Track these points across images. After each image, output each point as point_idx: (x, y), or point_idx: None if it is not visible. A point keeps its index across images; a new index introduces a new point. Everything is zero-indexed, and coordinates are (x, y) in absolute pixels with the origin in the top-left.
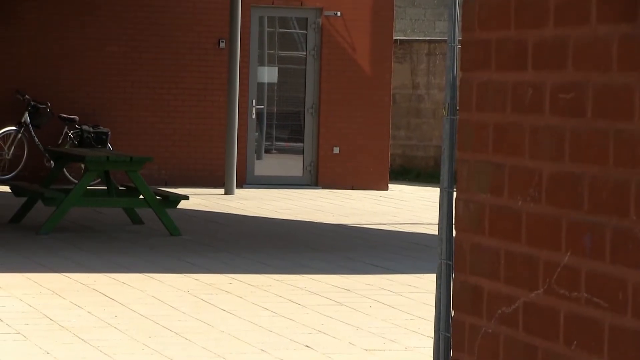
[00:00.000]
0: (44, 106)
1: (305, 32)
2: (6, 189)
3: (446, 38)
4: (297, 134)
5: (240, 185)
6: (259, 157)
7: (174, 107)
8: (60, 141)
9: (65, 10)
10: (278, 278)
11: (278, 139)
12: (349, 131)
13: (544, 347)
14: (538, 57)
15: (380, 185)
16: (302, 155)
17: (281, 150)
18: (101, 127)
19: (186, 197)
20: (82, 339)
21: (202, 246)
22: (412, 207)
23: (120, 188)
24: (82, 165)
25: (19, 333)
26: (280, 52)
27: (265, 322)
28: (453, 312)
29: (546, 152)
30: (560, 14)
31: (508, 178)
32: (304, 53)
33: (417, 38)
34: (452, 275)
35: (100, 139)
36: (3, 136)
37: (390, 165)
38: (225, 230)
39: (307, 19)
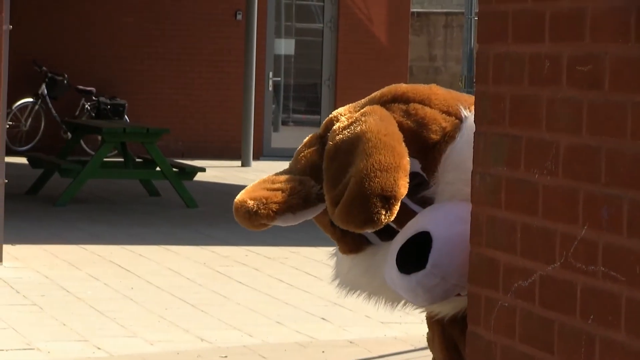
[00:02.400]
0: (61, 78)
1: (322, 3)
2: (23, 160)
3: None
4: (313, 106)
5: (256, 157)
6: (275, 129)
7: (191, 79)
8: (77, 113)
9: None
10: (294, 250)
11: (295, 111)
12: None
13: (560, 320)
14: (555, 29)
15: None
16: (318, 128)
17: (298, 123)
18: (118, 99)
19: (203, 169)
20: (98, 311)
21: (218, 218)
22: None
23: (137, 160)
24: (99, 137)
25: (35, 305)
26: (297, 24)
27: (282, 294)
28: (469, 285)
29: (563, 125)
30: None
31: (525, 150)
32: (321, 25)
33: (434, 10)
34: None
35: (117, 111)
36: (20, 108)
37: None
38: None
39: None
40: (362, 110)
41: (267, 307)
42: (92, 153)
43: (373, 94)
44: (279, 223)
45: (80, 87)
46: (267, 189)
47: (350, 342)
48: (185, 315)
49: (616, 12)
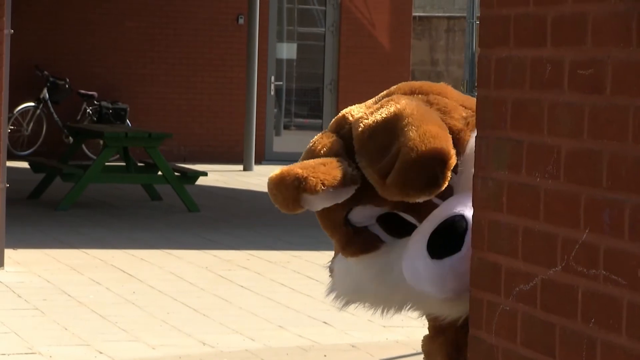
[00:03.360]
0: (63, 82)
1: (324, 8)
2: (25, 164)
3: (465, 14)
4: (315, 110)
5: (259, 161)
6: (277, 134)
7: (193, 84)
8: (78, 117)
9: None
10: (296, 254)
11: (297, 115)
12: None
13: (561, 324)
14: (557, 33)
15: None
16: (320, 132)
17: (300, 127)
18: (120, 103)
19: (205, 174)
20: (100, 315)
21: (220, 222)
22: None
23: (139, 164)
24: (101, 142)
25: (37, 309)
26: (299, 28)
27: (284, 299)
28: (471, 289)
29: (565, 129)
30: None
31: (526, 155)
32: (323, 29)
33: (436, 14)
34: None
35: (119, 115)
36: (22, 112)
37: None
38: (243, 207)
39: None
40: (386, 99)
41: (269, 311)
42: (94, 157)
43: (387, 91)
44: (319, 199)
45: (82, 91)
46: (308, 162)
47: (352, 346)
48: (187, 319)
49: (618, 17)
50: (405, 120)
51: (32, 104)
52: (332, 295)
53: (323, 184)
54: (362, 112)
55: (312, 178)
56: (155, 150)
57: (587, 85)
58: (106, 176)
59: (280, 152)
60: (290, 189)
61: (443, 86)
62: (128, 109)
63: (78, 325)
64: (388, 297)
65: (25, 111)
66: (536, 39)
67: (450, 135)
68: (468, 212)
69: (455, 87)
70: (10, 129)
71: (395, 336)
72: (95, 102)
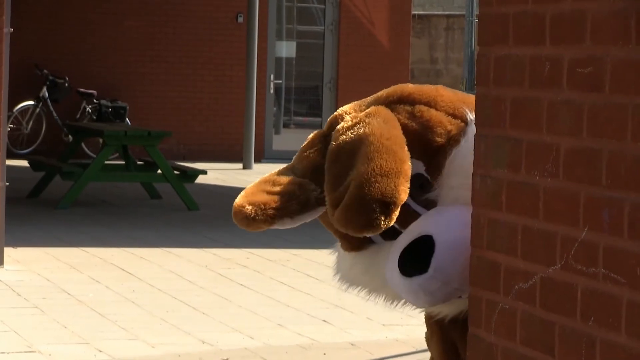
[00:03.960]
0: (62, 81)
1: (324, 6)
2: (24, 163)
3: (464, 12)
4: (315, 109)
5: (258, 160)
6: (277, 132)
7: (192, 82)
8: (78, 116)
9: None
10: (296, 252)
11: (296, 114)
12: None
13: (561, 323)
14: (556, 31)
15: None
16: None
17: (299, 125)
18: (119, 102)
19: (204, 172)
20: (99, 314)
21: (220, 221)
22: None
23: (139, 163)
24: (100, 140)
25: (36, 307)
26: (298, 26)
27: (283, 297)
28: (470, 288)
29: (564, 127)
30: None
31: (525, 153)
32: (322, 27)
33: (436, 13)
34: None
35: (118, 114)
36: (21, 111)
37: None
38: None
39: None
40: (366, 111)
41: (268, 310)
42: (94, 156)
43: (379, 93)
44: (277, 227)
45: (82, 90)
46: (267, 192)
47: (352, 344)
48: (186, 317)
49: (617, 15)
50: (365, 149)
51: (31, 102)
52: (337, 278)
53: (272, 219)
54: (348, 118)
55: (260, 216)
56: (154, 149)
57: (586, 83)
58: (106, 175)
59: (279, 151)
60: (242, 225)
61: (435, 94)
62: (127, 107)
63: (77, 323)
64: (380, 290)
65: (24, 110)
66: (535, 37)
67: (417, 160)
68: (438, 231)
69: (455, 85)
70: (9, 127)
71: (395, 334)
72: (94, 100)
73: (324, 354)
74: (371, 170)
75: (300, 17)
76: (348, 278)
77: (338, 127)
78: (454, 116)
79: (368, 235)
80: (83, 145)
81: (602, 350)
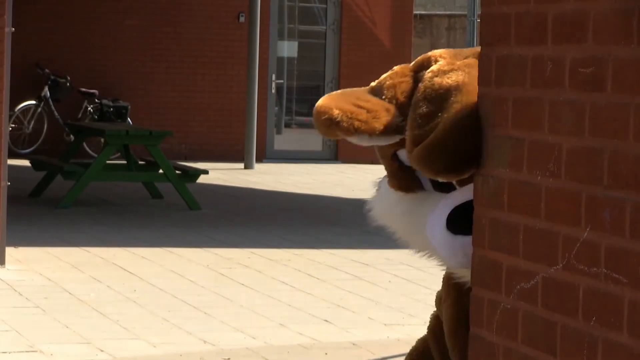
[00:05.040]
0: (64, 80)
1: (325, 6)
2: (26, 162)
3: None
4: None
5: (259, 159)
6: (278, 132)
7: (194, 82)
8: (79, 115)
9: None
10: (297, 252)
11: (298, 114)
12: None
13: (562, 322)
14: (558, 31)
15: None
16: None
17: (301, 125)
18: (121, 101)
19: (205, 172)
20: (101, 313)
21: (221, 220)
22: None
23: (140, 162)
24: (102, 140)
25: (38, 307)
26: (300, 26)
27: (284, 297)
28: (472, 287)
29: (566, 127)
30: None
31: (527, 153)
32: (324, 27)
33: (437, 12)
34: None
35: (119, 113)
36: (23, 110)
37: None
38: (244, 205)
39: None
40: (466, 61)
41: (270, 309)
42: (95, 155)
43: (479, 48)
44: (353, 139)
45: (83, 89)
46: (354, 104)
47: (353, 344)
48: (188, 317)
49: (619, 14)
50: (461, 98)
51: (33, 102)
52: (370, 211)
53: (356, 130)
54: (443, 62)
55: (344, 124)
56: (156, 148)
57: (588, 83)
58: (107, 174)
59: (281, 150)
60: (323, 126)
61: None
62: (129, 107)
63: (79, 323)
64: (412, 235)
65: (26, 109)
66: (537, 36)
67: None
68: None
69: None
70: (11, 127)
71: (396, 334)
72: (96, 100)
73: (326, 353)
74: (464, 120)
75: (302, 17)
76: (384, 215)
77: (433, 67)
78: None
79: (440, 180)
80: (84, 144)
81: (604, 350)
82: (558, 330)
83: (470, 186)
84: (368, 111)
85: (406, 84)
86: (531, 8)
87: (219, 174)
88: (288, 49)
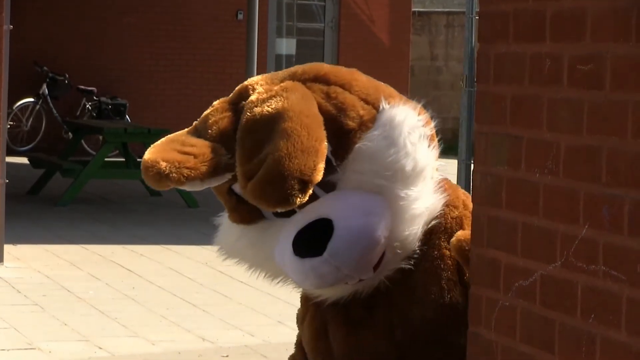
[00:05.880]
0: (62, 78)
1: (324, 3)
2: (24, 160)
3: (464, 10)
4: None
5: None
6: None
7: (192, 79)
8: (78, 113)
9: None
10: None
11: None
12: None
13: (561, 320)
14: (556, 29)
15: None
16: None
17: None
18: (119, 99)
19: None
20: (99, 311)
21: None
22: None
23: (139, 160)
24: (100, 137)
25: (36, 305)
26: (298, 23)
27: (283, 294)
28: (471, 285)
29: (564, 125)
30: None
31: (525, 150)
32: (322, 25)
33: (436, 10)
34: None
35: (118, 111)
36: (21, 108)
37: None
38: None
39: None
40: (282, 85)
41: (268, 307)
42: (94, 153)
43: (294, 69)
44: (185, 188)
45: (82, 87)
46: (179, 152)
47: None
48: (186, 315)
49: (617, 12)
50: (285, 125)
51: (31, 99)
52: (217, 247)
53: (186, 178)
54: (261, 90)
55: (173, 175)
56: None
57: (586, 80)
58: (106, 172)
59: None
60: (153, 181)
61: (350, 77)
62: (127, 104)
63: (77, 320)
64: (262, 264)
65: (24, 107)
66: (535, 34)
67: (327, 145)
68: (338, 216)
69: (455, 82)
70: (9, 124)
71: None
72: (94, 97)
73: None
74: (291, 146)
75: (300, 14)
76: (231, 250)
77: (252, 97)
78: (367, 102)
79: (279, 210)
80: (83, 142)
81: (603, 348)
82: (556, 328)
83: (311, 206)
84: (195, 156)
85: (228, 119)
86: (529, 5)
87: None
88: (286, 46)
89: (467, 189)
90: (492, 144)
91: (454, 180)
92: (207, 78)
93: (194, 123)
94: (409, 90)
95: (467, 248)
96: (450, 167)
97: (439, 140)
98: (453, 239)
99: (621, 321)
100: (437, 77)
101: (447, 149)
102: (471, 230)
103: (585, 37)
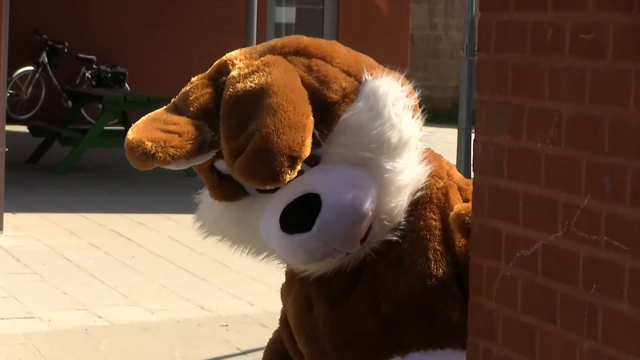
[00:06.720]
0: (62, 46)
1: None
2: (24, 129)
3: None
4: None
5: None
6: None
7: (192, 48)
8: (77, 81)
9: None
10: None
11: None
12: None
13: (562, 290)
14: None
15: None
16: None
17: None
18: (119, 67)
19: None
20: (99, 280)
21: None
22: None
23: None
24: (100, 106)
25: (36, 273)
26: None
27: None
28: (471, 255)
29: (566, 94)
30: None
31: (527, 119)
32: None
33: None
34: None
35: (117, 79)
36: (21, 76)
37: None
38: None
39: None
40: (264, 60)
41: (268, 276)
42: (93, 122)
43: (273, 42)
44: (172, 167)
45: (81, 55)
46: (163, 130)
47: None
48: (186, 284)
49: None
50: (269, 100)
51: (31, 68)
52: (198, 224)
53: (173, 158)
54: (242, 65)
55: (159, 155)
56: None
57: (588, 49)
58: (105, 140)
59: None
60: (138, 162)
61: (331, 49)
62: (127, 73)
63: (77, 289)
64: (246, 241)
65: (24, 75)
66: (537, 3)
67: (312, 119)
68: (325, 190)
69: (455, 51)
70: (9, 93)
71: None
72: (94, 66)
73: None
74: (278, 122)
75: None
76: (213, 227)
77: (233, 73)
78: (349, 74)
79: (268, 188)
80: (82, 110)
81: (604, 318)
82: (558, 298)
83: (296, 181)
84: (179, 135)
85: (209, 95)
86: None
87: None
88: (286, 15)
89: (467, 158)
90: (493, 113)
91: (454, 149)
92: (206, 46)
93: (172, 100)
94: (409, 58)
95: (468, 221)
96: (451, 136)
97: (422, 111)
98: (452, 212)
99: (623, 292)
100: (436, 46)
101: (447, 118)
102: (472, 200)
103: (587, 6)
